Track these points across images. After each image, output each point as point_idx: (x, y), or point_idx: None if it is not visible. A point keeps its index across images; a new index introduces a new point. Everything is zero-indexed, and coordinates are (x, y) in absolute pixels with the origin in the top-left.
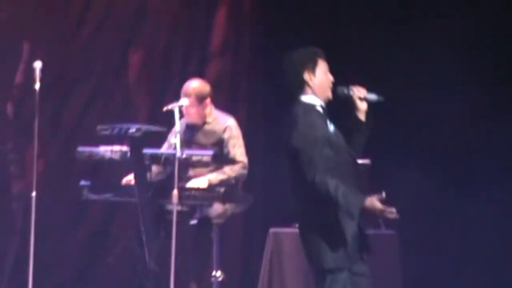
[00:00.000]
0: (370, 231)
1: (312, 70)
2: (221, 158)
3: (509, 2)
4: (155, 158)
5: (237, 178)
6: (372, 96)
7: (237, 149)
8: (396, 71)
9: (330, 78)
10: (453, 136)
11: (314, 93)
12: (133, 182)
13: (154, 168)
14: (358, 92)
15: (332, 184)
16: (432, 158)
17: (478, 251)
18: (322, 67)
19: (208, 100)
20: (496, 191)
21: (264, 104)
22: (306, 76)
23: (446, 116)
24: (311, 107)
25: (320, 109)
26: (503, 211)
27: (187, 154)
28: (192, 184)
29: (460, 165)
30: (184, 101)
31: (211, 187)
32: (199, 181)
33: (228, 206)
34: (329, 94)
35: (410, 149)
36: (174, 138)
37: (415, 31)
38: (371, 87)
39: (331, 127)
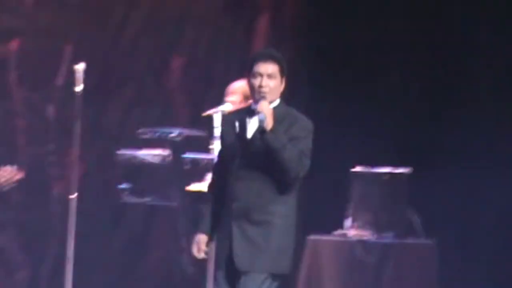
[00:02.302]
0: (404, 239)
1: (248, 73)
2: None
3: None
4: (196, 163)
5: None
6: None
7: None
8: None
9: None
10: (493, 144)
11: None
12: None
13: None
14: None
15: None
16: (473, 165)
17: None
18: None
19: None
20: None
21: (307, 111)
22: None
23: (486, 124)
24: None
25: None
26: None
27: None
28: None
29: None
30: (227, 106)
31: None
32: None
33: None
34: (255, 97)
35: (451, 156)
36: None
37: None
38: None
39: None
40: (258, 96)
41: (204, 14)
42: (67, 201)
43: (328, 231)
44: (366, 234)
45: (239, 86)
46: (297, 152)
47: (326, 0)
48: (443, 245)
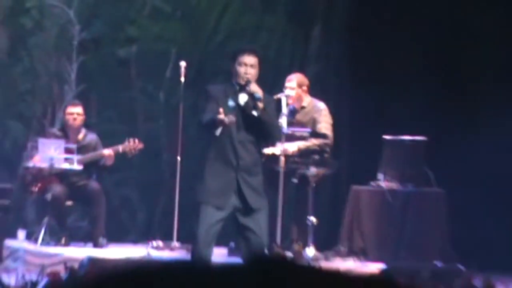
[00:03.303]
0: (422, 189)
1: (233, 62)
2: (315, 133)
3: None
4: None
5: (320, 147)
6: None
7: (324, 124)
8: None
9: (241, 69)
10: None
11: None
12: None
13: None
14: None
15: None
16: (477, 134)
17: None
18: (238, 60)
19: (305, 88)
20: None
21: (351, 97)
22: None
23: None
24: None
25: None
26: None
27: (292, 130)
28: (286, 147)
29: None
30: (288, 92)
31: (307, 155)
32: (291, 145)
33: (321, 169)
34: (239, 81)
35: (460, 126)
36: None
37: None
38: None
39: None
40: (243, 80)
41: (274, 24)
42: (174, 163)
43: (366, 183)
44: (393, 185)
45: (294, 76)
46: (278, 123)
47: (366, 11)
48: (451, 193)
